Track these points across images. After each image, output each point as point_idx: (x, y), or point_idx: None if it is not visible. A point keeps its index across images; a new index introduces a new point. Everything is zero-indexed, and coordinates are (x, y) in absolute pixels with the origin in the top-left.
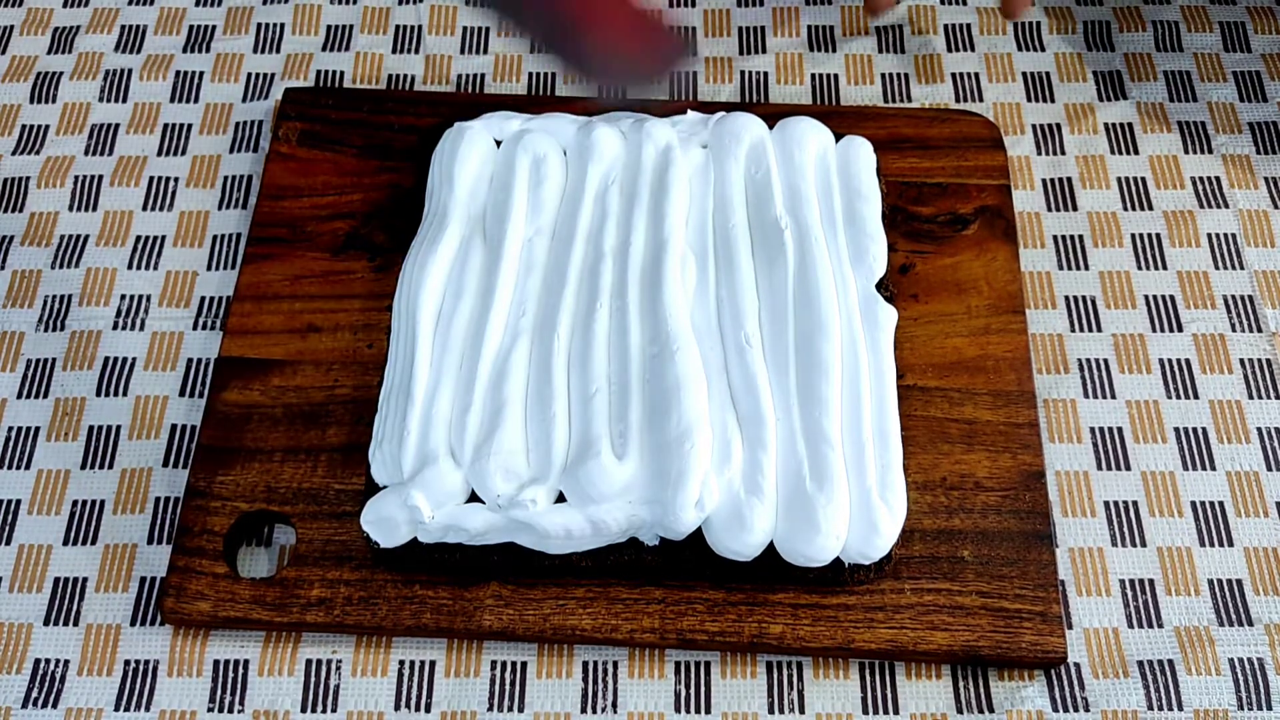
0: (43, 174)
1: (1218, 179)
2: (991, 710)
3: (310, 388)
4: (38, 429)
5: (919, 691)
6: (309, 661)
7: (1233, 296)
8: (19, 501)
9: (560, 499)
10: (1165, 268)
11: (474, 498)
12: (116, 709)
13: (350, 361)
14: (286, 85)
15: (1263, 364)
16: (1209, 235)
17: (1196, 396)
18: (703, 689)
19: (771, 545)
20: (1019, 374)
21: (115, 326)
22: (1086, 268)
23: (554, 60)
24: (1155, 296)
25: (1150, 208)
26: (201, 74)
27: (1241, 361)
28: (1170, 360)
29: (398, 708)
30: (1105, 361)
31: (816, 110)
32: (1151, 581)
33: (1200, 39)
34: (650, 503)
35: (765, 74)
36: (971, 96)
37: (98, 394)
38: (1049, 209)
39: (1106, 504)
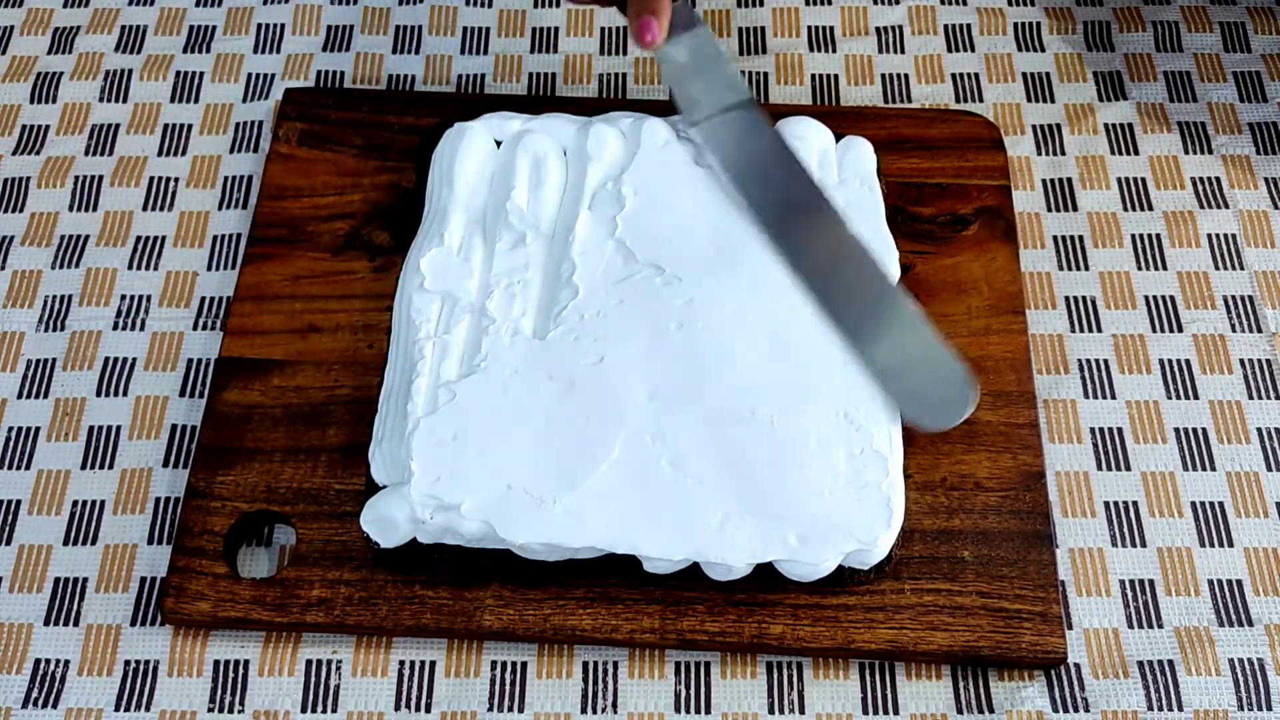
0: (43, 174)
1: (1218, 179)
2: (991, 710)
3: (310, 388)
4: (38, 429)
5: (919, 692)
6: (309, 662)
7: (1233, 297)
8: (19, 502)
9: None
10: (1165, 268)
11: None
12: (117, 709)
13: (350, 361)
14: (286, 85)
15: (1263, 364)
16: (1209, 235)
17: (1196, 397)
18: (703, 689)
19: None
20: (1019, 374)
21: (115, 327)
22: (1086, 268)
23: None
24: (1155, 297)
25: (1150, 208)
26: (201, 74)
27: (1241, 362)
28: (1170, 360)
29: (398, 708)
30: (1105, 362)
31: (816, 110)
32: (1151, 582)
33: (1200, 39)
34: None
35: (765, 74)
36: (971, 96)
37: (98, 394)
38: (1049, 209)
39: (1106, 504)
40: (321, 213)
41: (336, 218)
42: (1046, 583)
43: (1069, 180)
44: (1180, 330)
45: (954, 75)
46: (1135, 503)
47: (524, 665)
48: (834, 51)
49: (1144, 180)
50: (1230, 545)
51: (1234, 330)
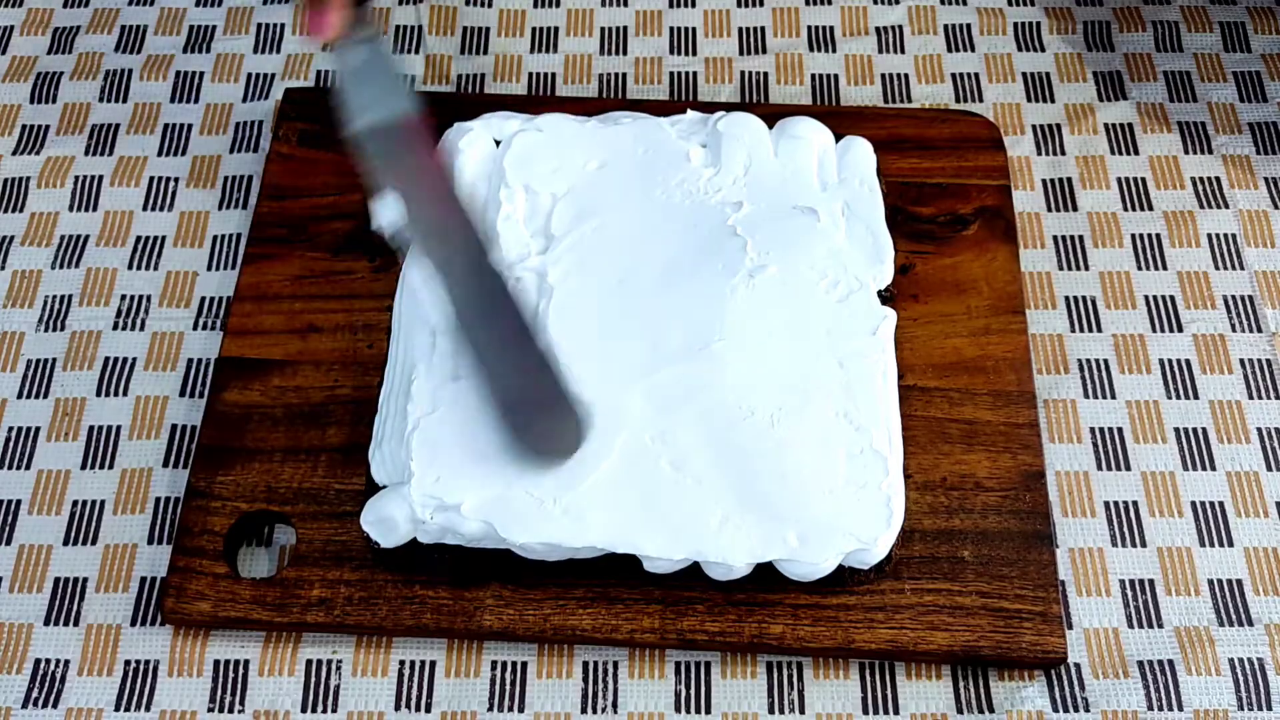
0: (43, 174)
1: (1218, 179)
2: (991, 710)
3: (310, 388)
4: (38, 429)
5: (919, 691)
6: (309, 661)
7: (1233, 297)
8: (19, 501)
9: None
10: (1165, 268)
11: None
12: (117, 709)
13: (350, 361)
14: (286, 85)
15: (1263, 364)
16: (1209, 235)
17: (1196, 397)
18: (703, 689)
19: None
20: (1019, 374)
21: (115, 326)
22: (1086, 268)
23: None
24: (1155, 297)
25: (1150, 208)
26: (201, 74)
27: (1241, 362)
28: (1170, 360)
29: (398, 708)
30: (1105, 362)
31: (816, 110)
32: (1151, 581)
33: (1200, 39)
34: None
35: (765, 74)
36: (971, 96)
37: (98, 394)
38: (1049, 209)
39: (1106, 504)
40: (321, 213)
41: (336, 218)
42: (1046, 583)
43: (1069, 180)
44: (1180, 330)
45: (954, 75)
46: (1135, 503)
47: (524, 665)
48: (834, 51)
49: (1144, 180)
50: (1230, 545)
51: (1234, 330)
